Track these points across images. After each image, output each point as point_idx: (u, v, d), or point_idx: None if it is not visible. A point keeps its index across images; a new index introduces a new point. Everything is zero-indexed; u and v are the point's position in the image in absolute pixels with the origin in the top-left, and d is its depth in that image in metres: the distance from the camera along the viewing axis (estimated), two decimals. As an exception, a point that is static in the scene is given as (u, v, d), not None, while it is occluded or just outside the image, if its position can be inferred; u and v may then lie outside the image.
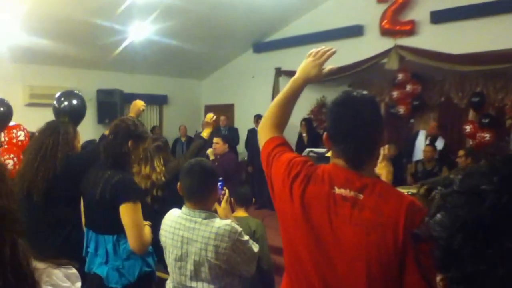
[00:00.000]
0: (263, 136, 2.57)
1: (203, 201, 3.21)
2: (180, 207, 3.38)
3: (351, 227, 2.05)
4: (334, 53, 2.67)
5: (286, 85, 2.66)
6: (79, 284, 1.60)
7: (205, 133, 5.91)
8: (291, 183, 2.26)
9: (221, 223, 3.09)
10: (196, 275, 3.11)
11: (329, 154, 2.35)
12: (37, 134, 4.31)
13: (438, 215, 0.95)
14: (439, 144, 10.25)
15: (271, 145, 2.49)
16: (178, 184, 3.29)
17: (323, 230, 2.12)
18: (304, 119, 12.24)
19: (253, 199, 5.24)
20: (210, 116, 5.96)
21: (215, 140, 7.54)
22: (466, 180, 0.94)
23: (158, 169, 5.12)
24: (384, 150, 3.20)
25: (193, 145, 6.00)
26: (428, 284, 1.90)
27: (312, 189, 2.20)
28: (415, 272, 1.93)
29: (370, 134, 2.16)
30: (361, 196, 2.07)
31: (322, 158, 8.68)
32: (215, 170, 3.38)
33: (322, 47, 2.72)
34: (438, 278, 1.00)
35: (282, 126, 2.62)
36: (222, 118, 13.41)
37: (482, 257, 0.88)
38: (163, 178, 5.14)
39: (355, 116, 2.15)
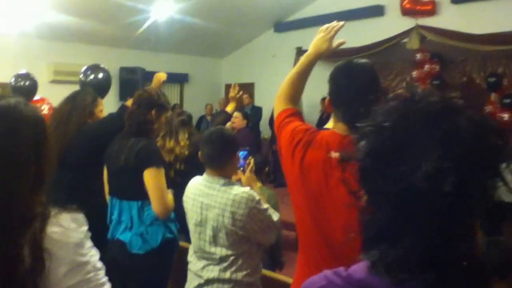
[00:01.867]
0: (277, 108, 2.68)
1: (221, 168, 3.27)
2: None
3: (342, 191, 2.13)
4: (342, 26, 2.83)
5: (299, 60, 2.78)
6: (85, 227, 1.67)
7: (229, 108, 5.98)
8: (293, 149, 2.39)
9: (238, 190, 3.13)
10: (215, 241, 3.16)
11: (329, 125, 2.46)
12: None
13: (361, 142, 1.16)
14: None
15: (282, 116, 2.60)
16: (199, 152, 3.36)
17: (321, 193, 2.25)
18: (324, 98, 12.16)
19: (266, 172, 5.24)
20: (235, 90, 6.03)
21: (235, 114, 7.50)
22: (375, 116, 1.16)
23: (182, 143, 5.14)
24: None
25: (217, 119, 6.05)
26: None
27: (310, 154, 2.32)
28: None
29: (368, 98, 2.22)
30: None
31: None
32: (235, 138, 3.41)
33: (333, 22, 2.85)
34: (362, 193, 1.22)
35: (295, 99, 2.72)
36: (245, 96, 13.43)
37: (381, 177, 1.10)
38: (186, 152, 5.15)
39: (354, 80, 2.30)
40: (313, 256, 2.38)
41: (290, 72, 2.78)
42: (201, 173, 3.42)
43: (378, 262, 1.11)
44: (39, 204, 1.59)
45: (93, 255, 1.66)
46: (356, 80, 2.30)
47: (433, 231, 1.03)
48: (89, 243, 1.66)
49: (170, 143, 5.06)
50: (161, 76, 4.70)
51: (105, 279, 1.68)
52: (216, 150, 3.24)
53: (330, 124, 2.46)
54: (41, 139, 1.67)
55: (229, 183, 3.23)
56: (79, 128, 4.16)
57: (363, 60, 2.42)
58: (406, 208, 1.05)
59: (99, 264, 1.67)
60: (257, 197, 3.16)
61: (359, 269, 1.18)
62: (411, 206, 1.05)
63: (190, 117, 5.62)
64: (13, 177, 1.55)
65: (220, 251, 3.16)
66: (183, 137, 5.18)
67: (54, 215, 1.58)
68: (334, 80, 2.37)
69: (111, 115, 4.35)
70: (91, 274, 1.61)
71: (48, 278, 1.50)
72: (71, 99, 4.29)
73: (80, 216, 1.67)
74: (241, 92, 6.03)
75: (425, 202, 1.03)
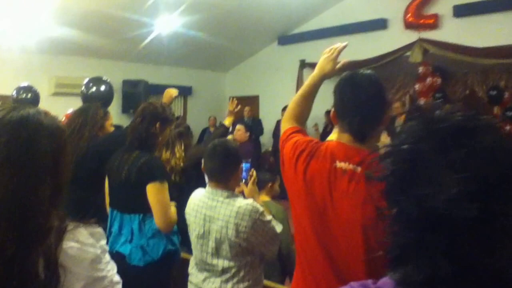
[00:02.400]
0: (283, 127, 2.70)
1: (225, 181, 3.26)
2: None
3: (348, 199, 2.16)
4: (345, 47, 2.87)
5: (305, 81, 2.79)
6: (103, 241, 1.67)
7: (227, 121, 5.99)
8: (296, 160, 2.41)
9: (242, 202, 3.14)
10: (217, 253, 3.15)
11: (332, 136, 2.46)
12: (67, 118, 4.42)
13: (385, 160, 1.15)
14: None
15: (287, 132, 2.61)
16: (202, 164, 3.37)
17: (325, 204, 2.24)
18: (329, 111, 12.11)
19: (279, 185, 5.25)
20: (234, 104, 6.07)
21: (237, 127, 7.64)
22: (397, 136, 1.15)
23: (177, 155, 5.15)
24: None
25: (214, 133, 6.10)
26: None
27: (314, 165, 2.32)
28: None
29: (374, 110, 2.28)
30: (358, 169, 2.17)
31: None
32: (238, 151, 3.42)
33: (338, 43, 2.90)
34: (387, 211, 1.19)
35: (301, 119, 2.75)
36: (246, 108, 13.54)
37: (403, 197, 1.08)
38: (181, 164, 5.16)
39: (360, 92, 2.28)
40: (312, 270, 2.36)
41: (297, 93, 2.79)
42: (196, 185, 3.42)
43: (405, 281, 1.10)
44: (56, 218, 1.57)
45: (110, 269, 1.66)
46: (361, 91, 2.29)
47: (460, 253, 1.02)
48: (106, 258, 1.67)
49: (166, 154, 5.06)
50: (173, 92, 4.75)
51: None
52: (220, 162, 3.25)
53: (333, 136, 2.51)
54: (60, 150, 1.64)
55: (233, 195, 3.24)
56: (90, 141, 4.18)
57: (369, 71, 2.42)
58: (430, 230, 1.04)
59: (117, 278, 1.68)
60: (261, 209, 3.16)
61: (388, 283, 1.17)
62: (435, 228, 1.03)
63: (187, 129, 5.63)
64: (31, 188, 1.51)
65: (222, 263, 3.16)
66: (179, 149, 5.20)
67: (71, 230, 1.57)
68: (339, 91, 2.36)
69: (121, 130, 4.36)
70: None
71: None
72: (83, 112, 4.32)
73: (98, 230, 1.67)
74: (239, 106, 6.07)
75: (449, 226, 1.01)
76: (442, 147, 1.06)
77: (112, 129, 4.49)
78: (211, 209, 3.19)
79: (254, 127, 13.09)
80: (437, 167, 1.04)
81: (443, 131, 1.08)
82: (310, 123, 12.86)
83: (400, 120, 10.20)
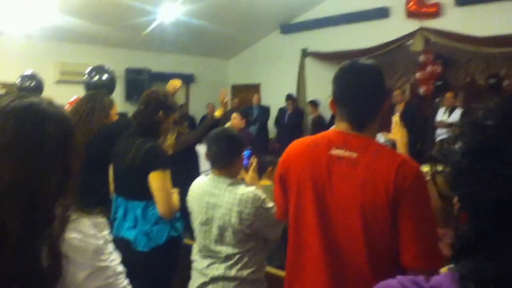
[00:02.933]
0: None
1: (228, 168, 3.29)
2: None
3: (346, 184, 2.22)
4: None
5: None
6: (106, 232, 1.66)
7: (218, 112, 6.12)
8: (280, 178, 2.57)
9: (244, 190, 3.15)
10: (220, 239, 3.17)
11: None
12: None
13: (457, 143, 1.07)
14: (456, 114, 10.09)
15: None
16: (206, 151, 3.39)
17: (323, 189, 2.28)
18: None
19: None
20: (223, 95, 6.30)
21: (233, 115, 7.91)
22: (474, 113, 1.07)
23: (168, 141, 5.18)
24: (395, 118, 3.42)
25: (204, 123, 6.20)
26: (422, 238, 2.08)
27: (310, 153, 2.39)
28: (407, 225, 2.10)
29: (372, 98, 2.34)
30: (355, 155, 2.22)
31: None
32: (241, 138, 3.44)
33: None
34: (455, 199, 1.13)
35: None
36: (255, 96, 13.71)
37: (478, 181, 0.99)
38: (170, 151, 5.16)
39: (358, 80, 2.32)
40: (305, 256, 2.39)
41: None
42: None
43: (470, 275, 1.00)
44: (60, 207, 1.56)
45: (113, 259, 1.65)
46: (360, 79, 2.32)
47: None
48: (110, 248, 1.66)
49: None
50: (176, 83, 4.79)
51: (126, 282, 1.69)
52: (223, 149, 3.26)
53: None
54: (67, 136, 1.63)
55: (235, 182, 3.26)
56: (99, 127, 4.22)
57: (370, 61, 2.46)
58: (507, 216, 0.96)
59: (120, 268, 1.68)
60: (263, 196, 3.17)
61: (445, 281, 1.07)
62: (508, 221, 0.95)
63: (183, 117, 5.65)
64: (38, 174, 1.52)
65: (226, 250, 3.18)
66: (170, 136, 5.22)
67: (74, 220, 1.57)
68: (338, 79, 2.40)
69: (126, 118, 4.37)
70: (112, 279, 1.61)
71: (67, 282, 1.50)
72: (91, 99, 4.35)
73: (101, 220, 1.67)
74: (228, 97, 6.20)
75: None
76: None
77: (116, 117, 4.52)
78: (214, 197, 3.21)
79: (261, 114, 13.22)
80: None
81: None
82: (323, 111, 12.89)
83: (399, 107, 10.22)
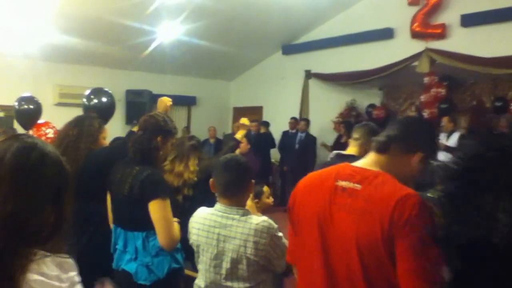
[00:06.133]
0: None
1: (238, 197, 3.21)
2: (209, 206, 3.35)
3: (345, 215, 2.22)
4: None
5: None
6: (73, 273, 1.58)
7: (239, 135, 5.97)
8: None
9: (258, 220, 3.10)
10: (231, 273, 3.09)
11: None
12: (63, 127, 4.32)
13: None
14: (454, 138, 9.74)
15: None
16: (211, 180, 3.28)
17: (325, 218, 2.30)
18: (344, 122, 12.06)
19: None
20: (246, 120, 6.06)
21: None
22: (453, 154, 1.06)
23: (192, 168, 5.06)
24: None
25: (226, 146, 6.04)
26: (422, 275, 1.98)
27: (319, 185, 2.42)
28: (405, 263, 1.99)
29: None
30: (359, 187, 2.23)
31: (350, 157, 8.73)
32: (250, 166, 3.35)
33: None
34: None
35: None
36: (253, 124, 13.24)
37: (454, 223, 1.05)
38: (195, 178, 5.05)
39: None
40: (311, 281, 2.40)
41: None
42: (209, 199, 3.34)
43: None
44: (25, 247, 1.50)
45: None
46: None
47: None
48: None
49: (179, 167, 4.96)
50: (166, 100, 4.64)
51: None
52: (235, 178, 3.18)
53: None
54: (63, 179, 1.65)
55: (247, 212, 3.19)
56: (85, 154, 4.08)
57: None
58: (479, 261, 0.96)
59: None
60: (276, 225, 3.15)
61: None
62: (485, 261, 0.95)
63: (200, 142, 5.57)
64: (28, 216, 1.50)
65: (237, 285, 3.10)
66: (193, 162, 5.11)
67: (37, 261, 1.49)
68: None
69: (119, 142, 4.26)
70: None
71: None
72: (78, 123, 4.22)
73: (68, 261, 1.59)
74: (252, 122, 6.06)
75: (503, 260, 0.91)
76: (501, 169, 0.95)
77: (106, 142, 4.37)
78: (225, 228, 3.12)
79: (264, 140, 12.99)
80: (494, 192, 0.93)
81: (503, 152, 0.98)
82: (315, 133, 12.83)
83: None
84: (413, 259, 1.96)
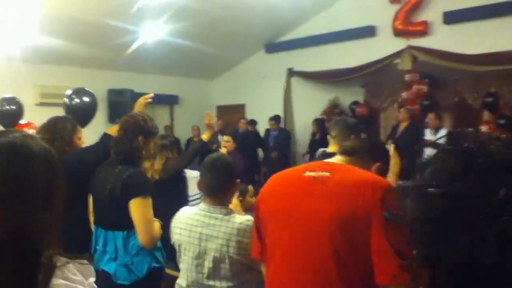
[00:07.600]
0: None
1: (223, 196, 3.20)
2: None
3: (315, 199, 2.27)
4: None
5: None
6: (92, 279, 1.58)
7: (206, 136, 5.92)
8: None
9: (242, 219, 3.09)
10: (213, 273, 3.07)
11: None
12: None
13: (406, 202, 0.99)
14: (441, 134, 9.55)
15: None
16: (198, 180, 3.27)
17: (298, 209, 2.32)
18: (317, 120, 12.21)
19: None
20: (208, 116, 6.13)
21: (225, 138, 7.96)
22: (422, 174, 0.98)
23: (156, 167, 5.13)
24: (390, 146, 3.55)
25: (191, 148, 6.14)
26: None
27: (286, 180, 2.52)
28: (379, 239, 2.03)
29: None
30: (327, 174, 2.32)
31: (332, 155, 8.81)
32: (236, 166, 3.35)
33: None
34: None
35: None
36: (242, 121, 13.33)
37: (433, 243, 0.93)
38: (157, 177, 5.12)
39: None
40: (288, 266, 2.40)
41: None
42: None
43: None
44: (47, 253, 1.46)
45: None
46: None
47: None
48: None
49: (146, 165, 4.93)
50: (141, 99, 4.59)
51: None
52: (220, 178, 3.16)
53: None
54: (53, 177, 1.57)
55: (230, 211, 3.18)
56: (59, 157, 4.03)
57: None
58: (464, 281, 0.89)
59: None
60: None
61: None
62: (471, 281, 0.88)
63: (173, 142, 5.58)
64: (23, 221, 1.44)
65: (219, 284, 3.08)
66: (159, 162, 5.16)
67: (60, 267, 1.48)
68: None
69: (91, 145, 4.22)
70: None
71: None
72: (51, 127, 4.15)
73: (88, 267, 1.60)
74: (214, 119, 6.06)
75: (489, 281, 0.85)
76: (482, 187, 0.87)
77: (81, 142, 4.31)
78: (208, 227, 3.10)
79: (250, 139, 12.88)
80: (477, 211, 0.86)
81: (484, 168, 0.89)
82: (299, 131, 12.86)
83: (402, 126, 10.09)
84: (387, 237, 2.00)
